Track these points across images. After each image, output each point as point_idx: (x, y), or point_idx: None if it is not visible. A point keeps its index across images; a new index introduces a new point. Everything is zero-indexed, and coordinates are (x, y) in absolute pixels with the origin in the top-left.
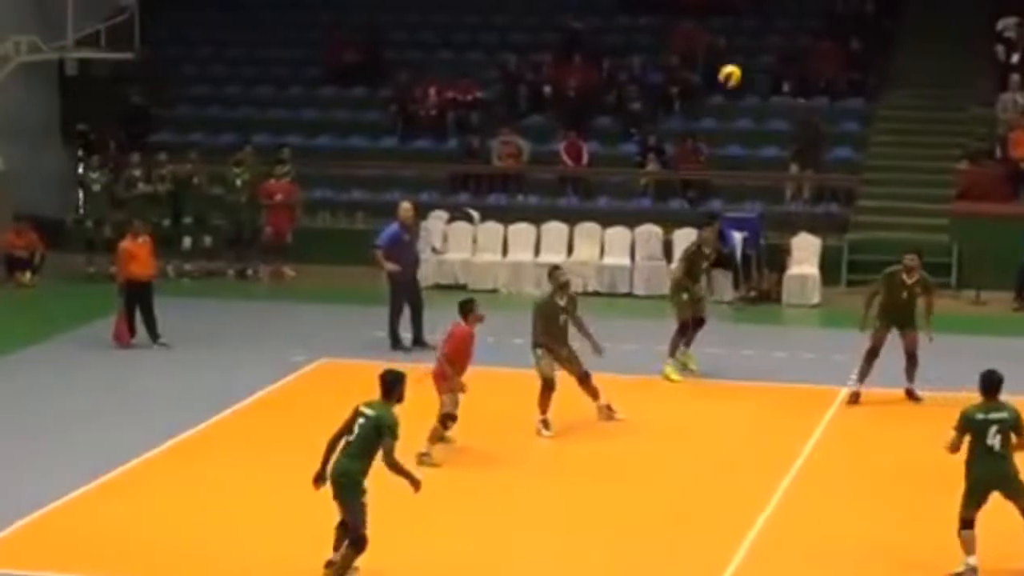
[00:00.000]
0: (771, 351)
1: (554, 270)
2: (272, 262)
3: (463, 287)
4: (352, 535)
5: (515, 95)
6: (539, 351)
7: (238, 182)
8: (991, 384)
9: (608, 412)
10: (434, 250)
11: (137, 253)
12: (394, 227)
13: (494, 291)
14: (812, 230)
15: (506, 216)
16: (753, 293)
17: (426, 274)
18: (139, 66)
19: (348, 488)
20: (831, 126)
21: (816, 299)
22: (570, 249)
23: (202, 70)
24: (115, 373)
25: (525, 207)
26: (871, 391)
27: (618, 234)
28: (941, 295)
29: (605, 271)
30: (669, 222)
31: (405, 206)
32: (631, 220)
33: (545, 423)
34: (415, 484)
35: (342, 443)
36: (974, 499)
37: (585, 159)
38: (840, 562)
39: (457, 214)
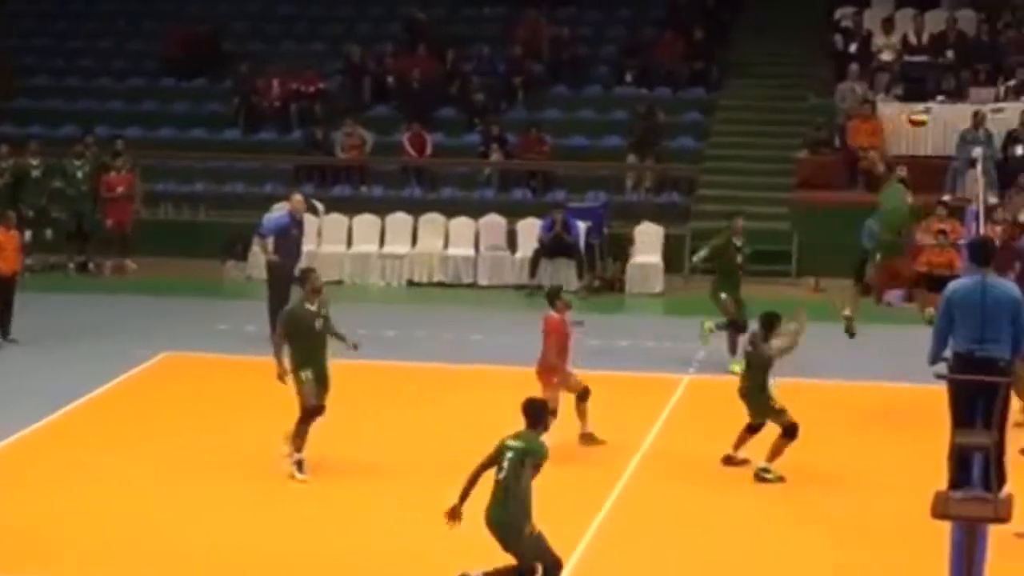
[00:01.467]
0: (615, 340)
1: (309, 273)
2: (113, 255)
3: None
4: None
5: (359, 86)
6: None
7: (78, 174)
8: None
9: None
10: None
11: (5, 245)
12: (284, 217)
13: (339, 283)
14: (655, 219)
15: (350, 207)
16: (597, 282)
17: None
18: None
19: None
20: (673, 116)
21: (659, 288)
22: (414, 239)
23: (41, 62)
24: None
25: (369, 198)
26: (719, 378)
27: (462, 224)
28: (781, 282)
29: (449, 261)
30: (513, 212)
31: (297, 198)
32: (475, 210)
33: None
34: None
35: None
36: None
37: (429, 150)
38: (684, 544)
39: None
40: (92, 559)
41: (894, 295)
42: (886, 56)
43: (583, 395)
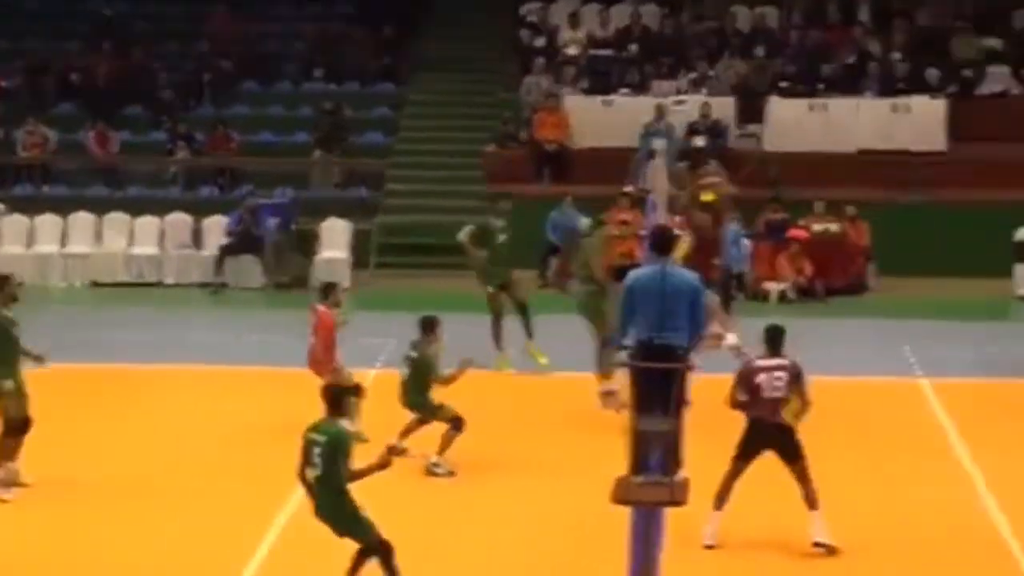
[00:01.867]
0: (302, 336)
1: (6, 278)
2: None
3: None
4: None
5: (41, 84)
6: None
7: None
8: None
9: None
10: None
11: None
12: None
13: (20, 285)
14: (342, 214)
15: (32, 207)
16: (285, 279)
17: None
18: None
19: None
20: (362, 111)
21: (346, 282)
22: (98, 239)
23: None
24: None
25: (52, 198)
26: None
27: (147, 223)
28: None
29: (134, 261)
30: (200, 210)
31: None
32: (161, 209)
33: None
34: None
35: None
36: None
37: (115, 148)
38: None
39: None
40: None
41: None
42: (572, 50)
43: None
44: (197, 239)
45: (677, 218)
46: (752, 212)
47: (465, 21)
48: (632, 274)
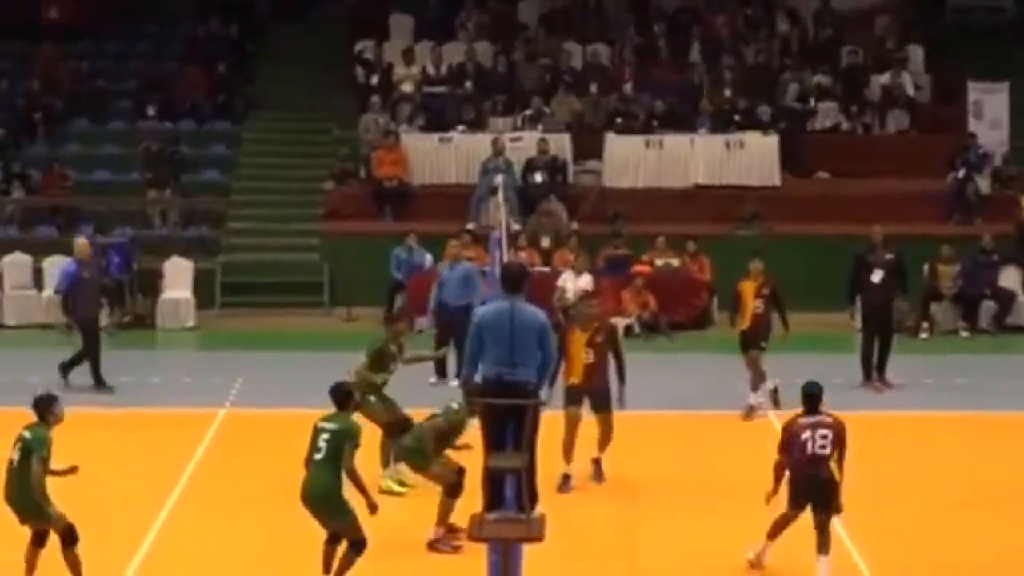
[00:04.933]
0: (148, 376)
1: None
2: None
3: None
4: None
5: None
6: None
7: None
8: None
9: None
10: None
11: None
12: (71, 265)
13: None
14: (184, 253)
15: None
16: (127, 318)
17: None
18: None
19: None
20: (199, 149)
21: (191, 322)
22: None
23: None
24: None
25: None
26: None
27: None
28: (315, 313)
29: None
30: (38, 249)
31: (81, 241)
32: None
33: None
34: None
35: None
36: None
37: None
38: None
39: None
40: None
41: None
42: (407, 87)
43: None
44: (38, 279)
45: (522, 254)
46: (593, 247)
47: (298, 58)
48: (480, 310)
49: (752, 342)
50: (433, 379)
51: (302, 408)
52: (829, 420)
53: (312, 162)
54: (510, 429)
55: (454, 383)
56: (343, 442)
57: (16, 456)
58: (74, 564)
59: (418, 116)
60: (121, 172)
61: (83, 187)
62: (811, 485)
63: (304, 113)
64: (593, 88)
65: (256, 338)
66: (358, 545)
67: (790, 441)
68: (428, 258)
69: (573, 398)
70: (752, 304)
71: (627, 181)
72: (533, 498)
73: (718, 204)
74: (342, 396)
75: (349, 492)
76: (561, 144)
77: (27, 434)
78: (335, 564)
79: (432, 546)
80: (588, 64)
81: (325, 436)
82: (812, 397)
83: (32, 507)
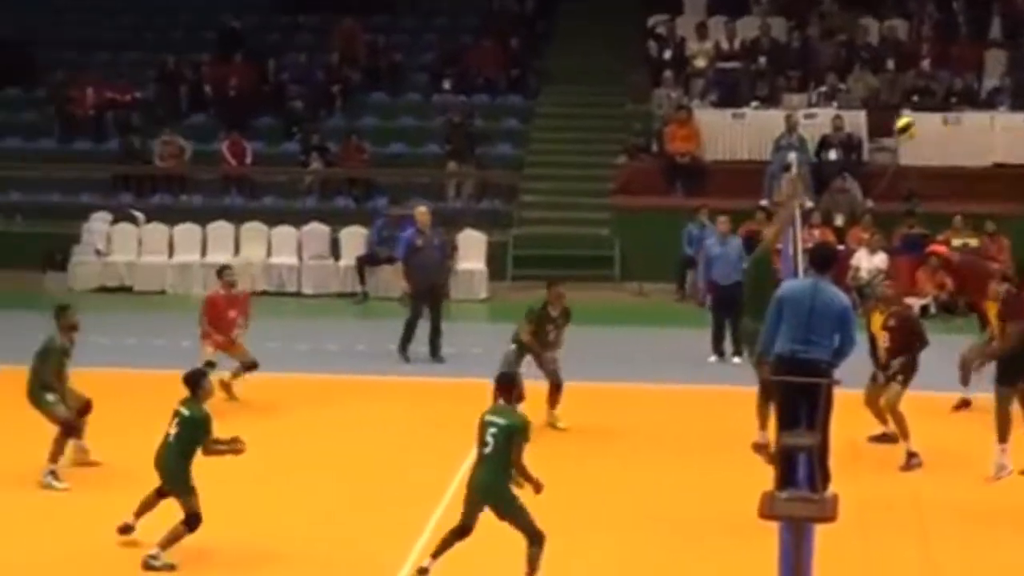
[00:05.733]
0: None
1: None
2: None
3: (129, 289)
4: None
5: (175, 95)
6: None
7: None
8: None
9: None
10: (98, 252)
11: None
12: (409, 231)
13: (161, 292)
14: (477, 226)
15: (171, 217)
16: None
17: (91, 277)
18: None
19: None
20: (492, 123)
21: (484, 294)
22: (237, 248)
23: None
24: None
25: (190, 207)
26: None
27: (285, 233)
28: (604, 287)
29: (273, 270)
30: (336, 220)
31: (421, 210)
32: (297, 219)
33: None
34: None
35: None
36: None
37: (249, 158)
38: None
39: (121, 215)
40: None
41: None
42: (700, 62)
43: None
44: (335, 249)
45: (815, 231)
46: (888, 226)
47: (592, 33)
48: (785, 284)
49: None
50: (713, 358)
51: (590, 382)
52: None
53: (604, 136)
54: (803, 407)
55: (736, 360)
56: (511, 437)
57: (173, 431)
58: (176, 536)
59: (711, 91)
60: (416, 145)
61: (379, 159)
62: None
63: (596, 87)
64: (890, 64)
65: None
66: (536, 540)
67: None
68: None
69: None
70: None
71: (924, 159)
72: (826, 477)
73: (1018, 184)
74: (508, 386)
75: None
76: (856, 121)
77: (184, 411)
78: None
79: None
80: (885, 40)
81: (492, 431)
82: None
83: (176, 481)
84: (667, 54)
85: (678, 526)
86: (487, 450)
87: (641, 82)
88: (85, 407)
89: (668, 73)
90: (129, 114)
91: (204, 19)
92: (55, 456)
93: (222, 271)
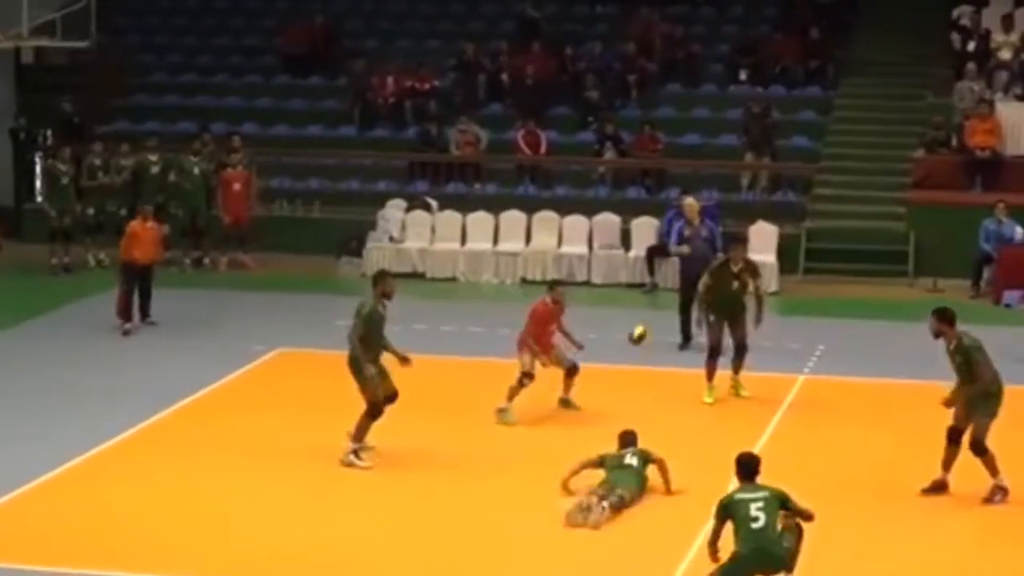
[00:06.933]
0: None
1: (385, 275)
2: (230, 251)
3: (421, 275)
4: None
5: (473, 83)
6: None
7: (195, 171)
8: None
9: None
10: (391, 239)
11: (141, 236)
12: (679, 223)
13: (452, 279)
14: (769, 218)
15: (464, 205)
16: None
17: (384, 263)
18: (96, 54)
19: None
20: (788, 115)
21: (774, 287)
22: (528, 237)
23: (159, 58)
24: (71, 362)
25: (483, 196)
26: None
27: (576, 222)
28: (898, 283)
29: (563, 259)
30: (627, 210)
31: (689, 202)
32: (589, 208)
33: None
34: None
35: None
36: None
37: (543, 148)
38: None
39: (415, 203)
40: (165, 555)
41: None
42: (1005, 54)
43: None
44: (625, 239)
45: None
46: None
47: (893, 24)
48: None
49: None
50: None
51: (881, 378)
52: None
53: (903, 129)
54: None
55: None
56: (777, 505)
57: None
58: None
59: (1015, 84)
60: (711, 136)
61: (673, 150)
62: None
63: (897, 80)
64: None
65: (838, 305)
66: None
67: None
68: (1018, 230)
69: None
70: None
71: None
72: None
73: None
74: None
75: None
76: None
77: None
78: None
79: None
80: None
81: (757, 505)
82: None
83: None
84: (971, 46)
85: None
86: (756, 525)
87: (943, 74)
88: (392, 396)
89: (971, 65)
90: (427, 103)
91: (503, 8)
92: (359, 436)
93: (553, 286)
